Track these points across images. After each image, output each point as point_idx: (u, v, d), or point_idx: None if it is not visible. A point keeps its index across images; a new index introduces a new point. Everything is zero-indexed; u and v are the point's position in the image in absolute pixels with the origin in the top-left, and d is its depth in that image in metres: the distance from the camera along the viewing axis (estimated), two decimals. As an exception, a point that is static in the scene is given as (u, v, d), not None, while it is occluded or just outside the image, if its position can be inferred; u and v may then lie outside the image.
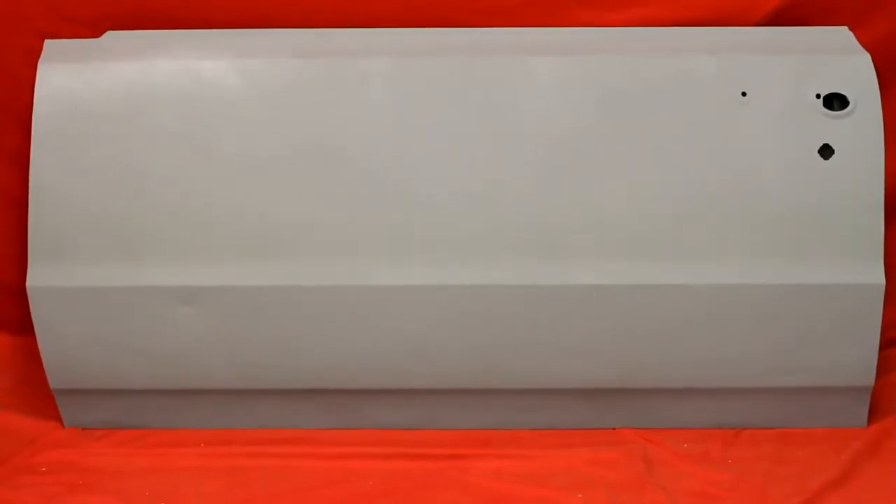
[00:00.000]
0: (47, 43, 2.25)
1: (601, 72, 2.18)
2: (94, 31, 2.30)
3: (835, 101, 2.15)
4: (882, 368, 2.29)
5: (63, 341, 2.20)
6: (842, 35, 2.27)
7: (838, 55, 2.19)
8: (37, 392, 2.33)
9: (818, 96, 2.15)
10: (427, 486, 2.10)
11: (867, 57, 2.18)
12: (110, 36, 2.29)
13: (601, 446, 2.19)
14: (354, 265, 2.16)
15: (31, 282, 2.17)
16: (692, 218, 2.15)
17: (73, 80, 2.18)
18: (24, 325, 2.33)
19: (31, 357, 2.31)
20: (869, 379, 2.21)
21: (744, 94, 2.15)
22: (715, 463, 2.16)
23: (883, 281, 2.14)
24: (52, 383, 2.24)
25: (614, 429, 2.25)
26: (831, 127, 2.14)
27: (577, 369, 2.20)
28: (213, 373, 2.22)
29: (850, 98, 2.14)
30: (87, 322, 2.19)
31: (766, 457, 2.17)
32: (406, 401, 2.25)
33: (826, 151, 2.14)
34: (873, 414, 2.26)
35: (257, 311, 2.17)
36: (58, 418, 2.29)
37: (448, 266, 2.15)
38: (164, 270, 2.16)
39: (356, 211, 2.16)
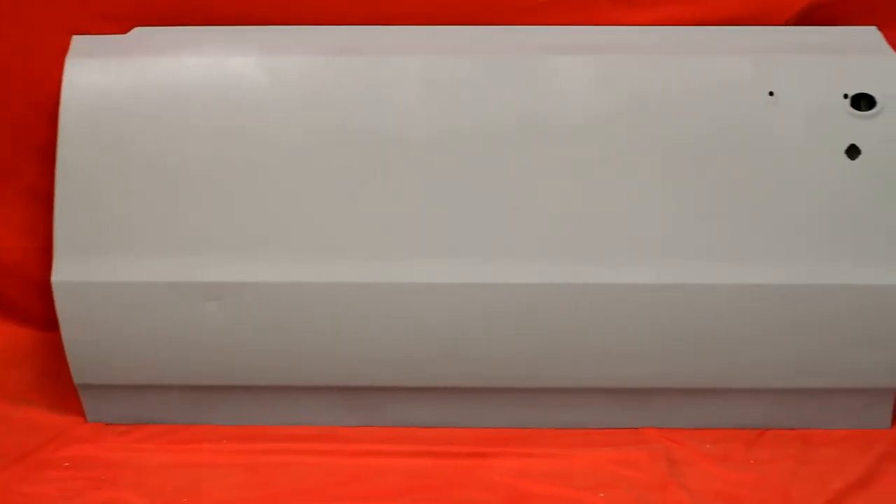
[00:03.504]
0: (75, 39, 2.26)
1: (629, 71, 2.18)
2: (122, 27, 2.31)
3: (862, 102, 2.15)
4: (906, 370, 2.28)
5: (87, 336, 2.21)
6: (870, 35, 2.27)
7: (866, 55, 2.19)
8: (60, 387, 2.33)
9: (846, 96, 2.15)
10: (450, 484, 2.10)
11: (895, 58, 2.18)
12: (138, 32, 2.30)
13: (624, 446, 2.19)
14: (382, 262, 2.16)
15: (56, 277, 2.17)
16: (718, 217, 2.14)
17: (101, 76, 2.19)
18: (48, 321, 2.33)
19: (55, 352, 2.31)
20: (893, 380, 2.21)
21: (771, 93, 2.15)
22: (738, 463, 2.16)
23: (908, 282, 2.14)
24: (76, 378, 2.25)
25: (637, 428, 2.25)
26: (859, 127, 2.14)
27: (601, 369, 2.20)
28: (237, 369, 2.22)
29: (877, 98, 2.14)
30: (111, 317, 2.19)
31: (788, 457, 2.17)
32: (430, 399, 2.25)
33: (853, 152, 2.14)
34: (897, 415, 2.27)
35: (282, 308, 2.17)
36: (81, 413, 2.30)
37: (475, 264, 2.15)
38: (189, 266, 2.16)
39: (389, 208, 2.16)
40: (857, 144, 2.13)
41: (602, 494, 2.06)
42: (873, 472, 2.12)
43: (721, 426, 2.25)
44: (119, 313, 2.19)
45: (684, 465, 2.15)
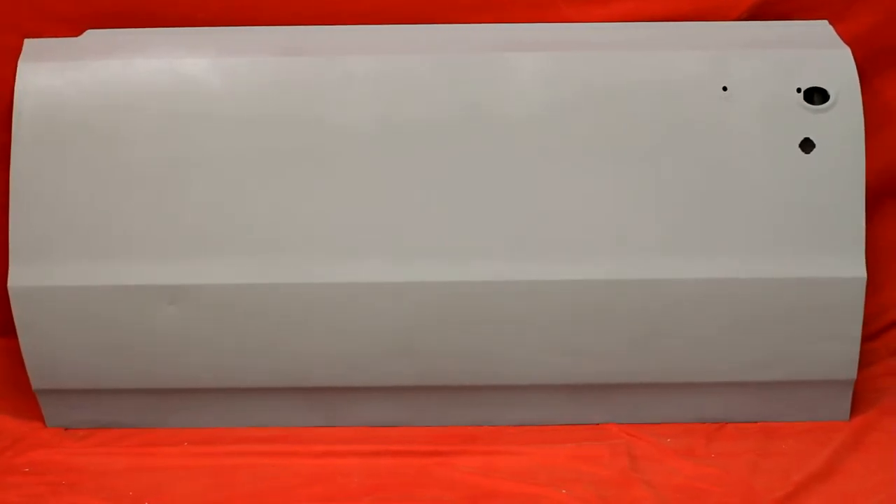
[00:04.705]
0: (27, 42, 2.24)
1: (584, 68, 2.18)
2: (74, 30, 2.30)
3: (815, 96, 2.16)
4: (864, 361, 2.29)
5: (45, 341, 2.19)
6: (822, 29, 2.28)
7: (819, 49, 2.20)
8: (19, 393, 2.32)
9: (799, 90, 2.15)
10: (412, 483, 2.10)
11: (847, 51, 2.19)
12: (90, 35, 2.29)
13: (585, 442, 2.20)
14: (338, 262, 2.15)
15: (12, 282, 2.16)
16: (674, 213, 2.15)
17: (54, 79, 2.17)
18: (5, 326, 2.31)
19: (13, 357, 2.31)
20: (851, 372, 2.21)
21: (725, 88, 2.16)
22: (699, 457, 2.16)
23: (864, 274, 2.14)
24: (35, 384, 2.23)
25: (598, 424, 2.25)
26: (812, 121, 2.14)
27: (561, 365, 2.20)
28: (197, 372, 2.22)
29: (830, 92, 2.15)
30: (69, 322, 2.18)
31: (749, 450, 2.18)
32: (390, 398, 2.25)
33: (807, 145, 2.15)
34: (856, 407, 2.27)
35: (241, 310, 2.17)
36: (40, 419, 2.28)
37: (431, 263, 2.15)
38: (148, 269, 2.16)
39: (339, 209, 2.15)
40: (811, 138, 2.14)
41: (564, 491, 2.05)
42: (834, 463, 2.13)
43: (681, 420, 2.26)
44: (76, 318, 2.18)
45: (645, 459, 2.15)
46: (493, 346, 2.19)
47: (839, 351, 2.20)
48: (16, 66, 2.19)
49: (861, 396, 2.29)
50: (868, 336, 2.41)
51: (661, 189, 2.15)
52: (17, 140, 2.16)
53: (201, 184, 2.16)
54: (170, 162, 2.16)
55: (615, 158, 2.15)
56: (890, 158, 2.41)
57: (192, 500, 2.07)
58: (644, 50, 2.20)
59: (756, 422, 2.26)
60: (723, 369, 2.21)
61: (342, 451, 2.18)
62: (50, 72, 2.18)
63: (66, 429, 2.28)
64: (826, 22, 2.30)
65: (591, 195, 2.15)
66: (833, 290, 2.15)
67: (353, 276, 2.15)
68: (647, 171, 2.15)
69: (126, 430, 2.26)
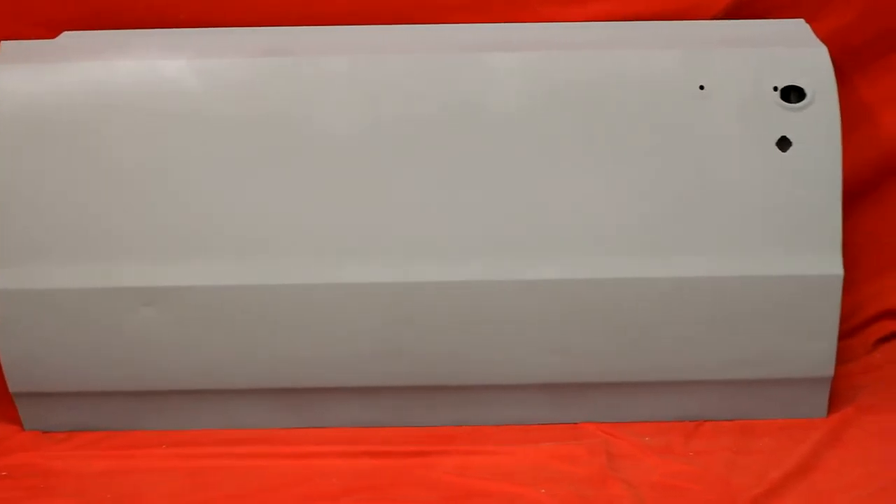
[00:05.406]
0: (3, 44, 2.23)
1: (561, 67, 2.18)
2: (50, 32, 2.29)
3: (792, 94, 2.16)
4: (841, 358, 2.30)
5: (22, 344, 2.19)
6: (798, 28, 2.28)
7: (795, 48, 2.20)
8: (-4, 396, 2.32)
9: (775, 89, 2.16)
10: (392, 483, 2.10)
11: (824, 49, 2.19)
12: (66, 36, 2.29)
13: (563, 441, 2.20)
14: (316, 263, 2.15)
15: (-11, 285, 2.16)
16: (650, 212, 2.15)
17: (31, 81, 2.16)
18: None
19: (-10, 361, 2.30)
20: (828, 369, 2.22)
21: (702, 87, 2.16)
22: (677, 455, 2.17)
23: (841, 272, 2.15)
24: (12, 386, 2.23)
25: (576, 423, 2.26)
26: (789, 119, 2.15)
27: (539, 365, 2.21)
28: (175, 373, 2.21)
29: (807, 90, 2.15)
30: (47, 324, 2.17)
31: (727, 448, 2.18)
32: (368, 398, 2.25)
33: (784, 143, 2.15)
34: (833, 404, 2.28)
35: (218, 311, 2.16)
36: (18, 422, 2.28)
37: (410, 263, 2.15)
38: (125, 271, 2.15)
39: (317, 209, 2.15)
40: (788, 136, 2.15)
41: (543, 490, 2.06)
42: (811, 460, 2.13)
43: (659, 419, 2.26)
44: (53, 320, 2.17)
45: (623, 458, 2.15)
46: (471, 346, 2.19)
47: (816, 348, 2.20)
48: (-9, 69, 2.19)
49: (838, 393, 2.30)
50: (845, 333, 2.42)
51: (637, 188, 2.15)
52: (-6, 143, 2.15)
53: (179, 185, 2.15)
54: (148, 164, 2.15)
55: (592, 158, 2.15)
56: (867, 156, 2.42)
57: (171, 502, 2.07)
58: (621, 49, 2.20)
59: (734, 419, 2.26)
60: (700, 367, 2.21)
61: (321, 452, 2.18)
62: (27, 74, 2.17)
63: (43, 432, 2.27)
64: (802, 20, 2.31)
65: (568, 195, 2.15)
66: (810, 287, 2.16)
67: (332, 278, 2.15)
68: (623, 170, 2.15)
69: (104, 432, 2.26)
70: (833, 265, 2.15)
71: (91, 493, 2.09)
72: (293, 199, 2.15)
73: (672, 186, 2.15)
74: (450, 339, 2.19)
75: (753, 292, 2.16)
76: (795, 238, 2.15)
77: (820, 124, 2.15)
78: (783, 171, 2.14)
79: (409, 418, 2.26)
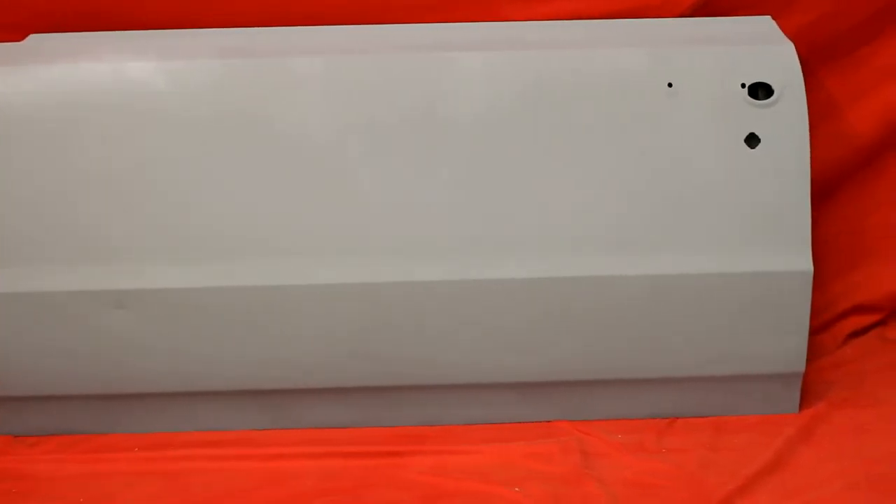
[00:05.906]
0: (-30, 48, 2.24)
1: (528, 66, 2.18)
2: (17, 35, 2.29)
3: (760, 91, 2.17)
4: (812, 354, 2.31)
5: (-8, 348, 2.19)
6: (765, 25, 2.29)
7: (762, 45, 2.21)
8: (-33, 401, 2.31)
9: (743, 86, 2.16)
10: (365, 484, 2.10)
11: (791, 46, 2.20)
12: (33, 39, 2.28)
13: (537, 440, 2.20)
14: (285, 265, 2.15)
15: (-42, 288, 2.15)
16: (620, 209, 2.16)
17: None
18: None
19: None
20: (800, 365, 2.23)
21: (670, 85, 2.16)
22: (650, 453, 2.17)
23: (811, 268, 2.15)
24: (-17, 391, 2.23)
25: (549, 422, 2.26)
26: (757, 116, 2.15)
27: (510, 363, 2.21)
28: (147, 376, 2.21)
29: (774, 87, 2.16)
30: (17, 327, 2.17)
31: (700, 445, 2.18)
32: (339, 399, 2.24)
33: (752, 140, 2.16)
34: (805, 399, 2.28)
35: (189, 313, 2.16)
36: (-11, 426, 2.27)
37: (378, 263, 2.15)
38: (95, 273, 2.14)
39: (285, 211, 2.15)
40: (756, 133, 2.15)
41: (517, 489, 2.06)
42: (784, 456, 2.14)
43: (632, 416, 2.27)
44: (24, 323, 2.16)
45: (597, 456, 2.15)
46: (441, 346, 2.19)
47: (787, 344, 2.21)
48: (-42, 73, 2.18)
49: (810, 389, 2.31)
50: (816, 329, 2.43)
51: (607, 186, 2.15)
52: (-39, 146, 2.15)
53: (148, 187, 2.14)
54: (117, 166, 2.14)
55: (561, 157, 2.15)
56: (834, 152, 2.43)
57: (145, 505, 2.07)
58: (589, 47, 2.21)
59: (706, 416, 2.27)
60: (672, 364, 2.22)
61: (294, 454, 2.17)
62: (-5, 76, 2.17)
63: (15, 436, 2.26)
64: (769, 17, 2.32)
65: (536, 193, 2.15)
66: (780, 283, 2.17)
67: (300, 279, 2.15)
68: (593, 168, 2.15)
69: (76, 436, 2.25)
70: (803, 261, 2.16)
71: (64, 497, 2.08)
72: (265, 200, 2.15)
73: (640, 185, 2.15)
74: (420, 338, 2.18)
75: (724, 289, 2.16)
76: (765, 234, 2.16)
77: (788, 121, 2.15)
78: (752, 168, 2.15)
79: (381, 419, 2.26)
